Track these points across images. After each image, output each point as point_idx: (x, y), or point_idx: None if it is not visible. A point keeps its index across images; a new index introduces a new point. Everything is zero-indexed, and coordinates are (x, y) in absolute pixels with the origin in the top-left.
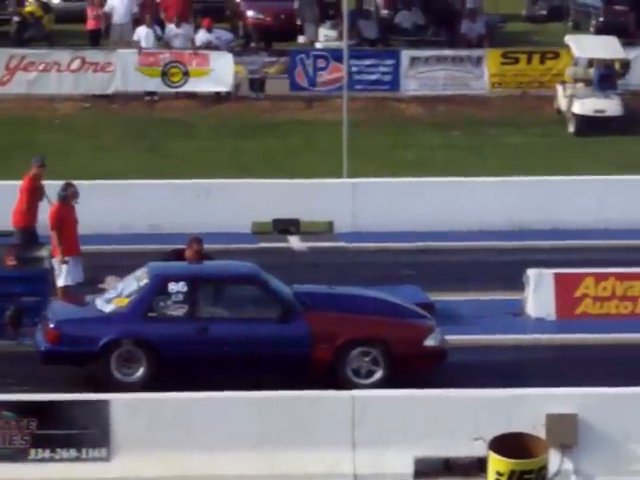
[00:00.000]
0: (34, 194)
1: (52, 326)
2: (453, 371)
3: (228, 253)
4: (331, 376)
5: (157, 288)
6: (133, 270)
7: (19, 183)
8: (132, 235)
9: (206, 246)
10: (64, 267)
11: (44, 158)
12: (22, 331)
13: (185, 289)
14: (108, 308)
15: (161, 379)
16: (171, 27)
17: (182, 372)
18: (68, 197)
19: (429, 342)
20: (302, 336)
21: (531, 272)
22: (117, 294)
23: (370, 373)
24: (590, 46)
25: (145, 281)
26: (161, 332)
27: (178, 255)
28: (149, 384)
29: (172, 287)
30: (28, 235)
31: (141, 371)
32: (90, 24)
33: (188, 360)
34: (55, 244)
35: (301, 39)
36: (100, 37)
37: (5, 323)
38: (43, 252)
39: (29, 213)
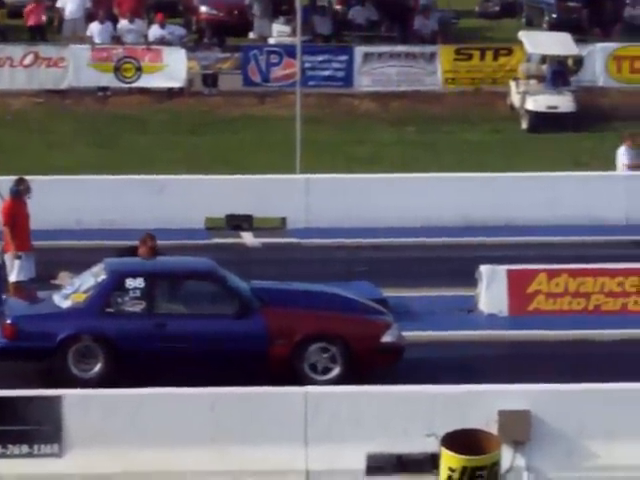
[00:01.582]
0: None
1: (9, 321)
2: (406, 367)
3: (182, 249)
4: (289, 372)
5: (114, 284)
6: (86, 266)
7: None
8: (85, 231)
9: (160, 242)
10: (17, 262)
11: None
12: None
13: (142, 285)
14: (65, 304)
15: (118, 375)
16: (124, 22)
17: (140, 368)
18: (20, 192)
19: (386, 338)
20: (259, 332)
21: (484, 268)
22: (74, 290)
23: (327, 369)
24: (543, 42)
25: (102, 277)
26: (119, 328)
27: (132, 252)
28: (106, 380)
29: (129, 283)
30: None
31: (98, 367)
32: (31, 19)
33: (146, 356)
34: (7, 239)
35: (253, 35)
36: (43, 32)
37: None
38: None
39: None
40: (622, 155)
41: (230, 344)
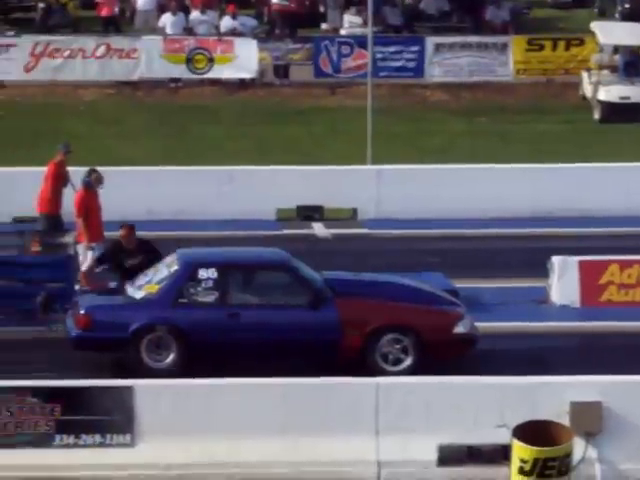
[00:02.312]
0: (59, 180)
1: (83, 312)
2: (477, 358)
3: (252, 240)
4: (360, 363)
5: (187, 274)
6: None
7: (44, 169)
8: (156, 221)
9: (230, 233)
10: (89, 254)
11: (70, 145)
12: (52, 317)
13: (215, 275)
14: (139, 294)
15: (191, 365)
16: (196, 14)
17: (212, 358)
18: (92, 183)
19: (459, 329)
20: (332, 323)
21: (556, 259)
22: (148, 280)
23: (399, 360)
24: (615, 33)
25: (175, 267)
26: (191, 318)
27: (117, 245)
28: (179, 370)
29: (202, 273)
30: (52, 221)
31: (171, 357)
32: (103, 11)
33: (218, 347)
34: (80, 230)
35: (324, 26)
36: (116, 24)
37: (35, 309)
38: (67, 238)
39: (54, 199)
40: None
41: (303, 334)
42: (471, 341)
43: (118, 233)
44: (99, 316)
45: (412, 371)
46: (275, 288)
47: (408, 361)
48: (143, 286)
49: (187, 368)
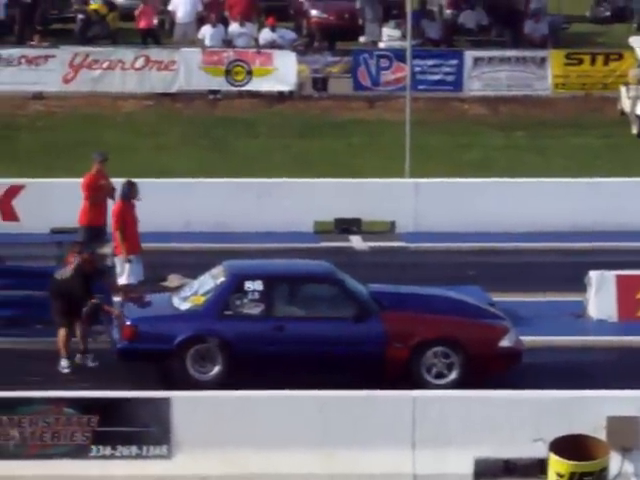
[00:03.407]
0: (96, 191)
1: (129, 323)
2: (515, 372)
3: (290, 252)
4: (405, 376)
5: (234, 286)
6: (195, 268)
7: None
8: (194, 233)
9: (268, 245)
10: (127, 266)
11: (106, 153)
12: (97, 328)
13: (261, 288)
14: (184, 306)
15: (236, 377)
16: (235, 26)
17: (257, 371)
18: (129, 195)
19: (504, 343)
20: (377, 335)
21: (593, 274)
22: (193, 292)
23: (445, 374)
24: None
25: (222, 279)
26: (237, 330)
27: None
28: (224, 382)
29: (249, 285)
30: (91, 233)
31: (217, 369)
32: (142, 22)
33: (264, 359)
34: (118, 242)
35: (363, 39)
36: (155, 35)
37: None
38: (105, 249)
39: (93, 210)
40: None
41: (348, 347)
42: (516, 355)
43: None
44: (145, 327)
45: (457, 385)
46: (321, 300)
47: (453, 375)
48: (189, 297)
49: (232, 380)
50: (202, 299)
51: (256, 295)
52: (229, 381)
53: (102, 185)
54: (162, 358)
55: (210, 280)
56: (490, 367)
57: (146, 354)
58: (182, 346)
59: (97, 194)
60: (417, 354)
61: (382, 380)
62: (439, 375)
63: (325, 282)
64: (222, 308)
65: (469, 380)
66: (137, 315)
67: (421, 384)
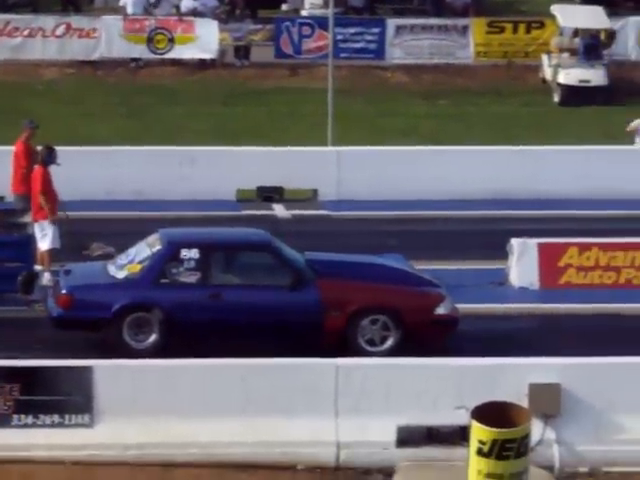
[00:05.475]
0: (31, 157)
1: (65, 291)
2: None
3: (212, 220)
4: (343, 344)
5: (170, 254)
6: (117, 236)
7: (4, 148)
8: (116, 202)
9: (190, 213)
10: (50, 230)
11: (35, 121)
12: (33, 296)
13: (197, 256)
14: (121, 274)
15: (172, 345)
16: None
17: (194, 339)
18: (50, 160)
19: (440, 310)
20: (314, 303)
21: (515, 241)
22: (129, 260)
23: (381, 341)
24: (576, 16)
25: (158, 247)
26: (173, 298)
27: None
28: (161, 350)
29: (185, 253)
30: (28, 201)
31: (153, 337)
32: None
33: (200, 327)
34: (38, 208)
35: (285, 6)
36: (75, 3)
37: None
38: (27, 218)
39: (28, 179)
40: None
41: (285, 315)
42: (452, 323)
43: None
44: (81, 296)
45: (393, 353)
46: (257, 269)
47: (390, 342)
48: (125, 266)
49: (169, 348)
50: (138, 267)
51: (192, 263)
52: (166, 350)
53: (33, 150)
54: (98, 326)
55: (146, 248)
56: (426, 335)
57: (82, 322)
58: (118, 314)
59: (30, 161)
60: (353, 322)
61: (319, 348)
62: (375, 342)
63: (261, 250)
64: (158, 276)
65: (405, 348)
66: (73, 283)
67: (357, 351)
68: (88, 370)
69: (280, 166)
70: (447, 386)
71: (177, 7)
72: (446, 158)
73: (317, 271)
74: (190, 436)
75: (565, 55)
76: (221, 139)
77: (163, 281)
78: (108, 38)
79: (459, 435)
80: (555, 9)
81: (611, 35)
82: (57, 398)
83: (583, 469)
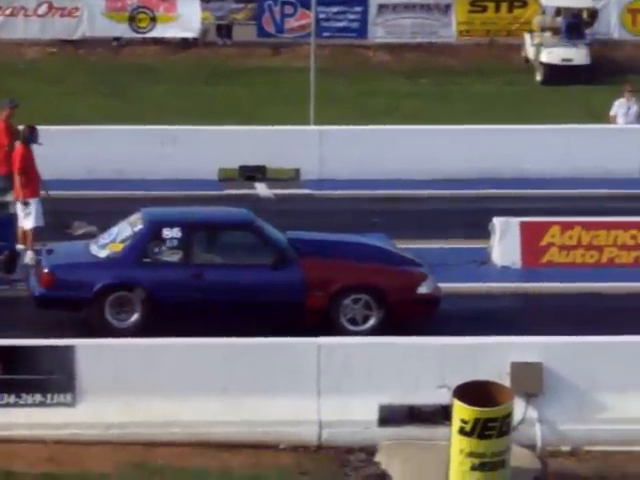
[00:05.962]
0: (12, 136)
1: (46, 270)
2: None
3: (194, 200)
4: (325, 323)
5: (151, 234)
6: (98, 215)
7: None
8: (97, 180)
9: (172, 193)
10: (32, 209)
11: (15, 99)
12: (14, 275)
13: (180, 235)
14: (102, 253)
15: (155, 325)
16: None
17: (176, 318)
18: (32, 139)
19: (423, 289)
20: (297, 282)
21: (497, 220)
22: (111, 239)
23: (363, 320)
24: None
25: (139, 226)
26: (155, 278)
27: None
28: (142, 330)
29: (167, 233)
30: (10, 181)
31: (135, 317)
32: None
33: (182, 306)
34: (18, 187)
35: None
36: None
37: None
38: (8, 197)
39: (8, 158)
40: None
41: (267, 294)
42: (434, 301)
43: None
44: (63, 275)
45: (375, 332)
46: (240, 248)
47: (372, 321)
48: (107, 245)
49: (151, 328)
50: (120, 246)
51: (174, 242)
52: (148, 329)
53: (13, 130)
54: (80, 306)
55: (128, 227)
56: (409, 313)
57: (64, 302)
58: (100, 294)
59: (12, 140)
60: (336, 301)
61: (301, 327)
62: (357, 322)
63: (244, 229)
64: (140, 255)
65: (387, 327)
66: (55, 262)
67: (340, 331)
68: (70, 349)
69: (262, 145)
70: (429, 365)
71: None
72: (429, 137)
73: (299, 250)
74: (172, 415)
75: (547, 34)
76: (203, 118)
77: (145, 260)
78: (90, 17)
79: (441, 414)
80: None
81: (593, 14)
82: (39, 377)
83: (565, 448)
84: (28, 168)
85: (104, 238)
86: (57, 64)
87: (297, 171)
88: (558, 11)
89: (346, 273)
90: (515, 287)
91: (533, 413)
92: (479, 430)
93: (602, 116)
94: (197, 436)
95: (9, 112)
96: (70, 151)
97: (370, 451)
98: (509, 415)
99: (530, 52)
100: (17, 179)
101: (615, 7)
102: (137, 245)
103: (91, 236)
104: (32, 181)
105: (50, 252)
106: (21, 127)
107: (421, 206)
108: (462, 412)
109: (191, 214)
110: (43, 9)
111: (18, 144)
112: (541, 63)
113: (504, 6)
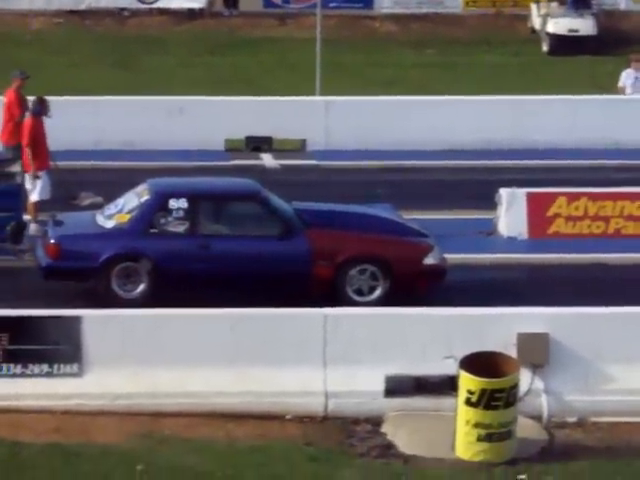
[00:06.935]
0: (22, 107)
1: (53, 241)
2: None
3: (201, 170)
4: (332, 294)
5: (158, 204)
6: (106, 186)
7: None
8: (104, 151)
9: (179, 163)
10: (38, 182)
11: (26, 71)
12: (22, 246)
13: (186, 205)
14: (109, 224)
15: (161, 295)
16: None
17: (182, 288)
18: (42, 111)
19: (429, 260)
20: (303, 253)
21: (504, 191)
22: (118, 210)
23: (370, 291)
24: None
25: (146, 197)
26: (162, 248)
27: None
28: (149, 300)
29: (173, 203)
30: (19, 152)
31: (141, 287)
32: None
33: (189, 276)
34: (27, 159)
35: None
36: None
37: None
38: (15, 167)
39: (17, 130)
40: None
41: (273, 265)
42: (440, 273)
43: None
44: (69, 246)
45: (382, 303)
46: (246, 218)
47: (378, 292)
48: (114, 215)
49: (158, 298)
50: (127, 217)
51: (181, 213)
52: (155, 300)
53: (23, 101)
54: (87, 276)
55: (134, 198)
56: (415, 285)
57: (71, 272)
58: (106, 264)
59: (22, 111)
60: (342, 271)
61: (307, 297)
62: (364, 292)
63: (250, 200)
64: (147, 226)
65: (394, 297)
66: (61, 233)
67: (346, 301)
68: (77, 320)
69: (269, 116)
70: (435, 336)
71: None
72: (435, 108)
73: (306, 221)
74: (179, 386)
75: (554, 4)
76: (210, 89)
77: (151, 231)
78: None
79: (448, 385)
80: None
81: None
82: (46, 348)
83: (571, 419)
84: (37, 141)
85: (110, 209)
86: (63, 35)
87: (303, 142)
88: None
89: (352, 244)
90: (521, 258)
91: (539, 384)
92: (485, 401)
93: (609, 87)
94: (204, 406)
95: (20, 83)
96: (77, 122)
97: (376, 422)
98: (515, 386)
99: (536, 22)
100: (25, 152)
101: None
102: (143, 216)
103: (97, 207)
104: (41, 153)
105: (57, 223)
106: (31, 98)
107: (427, 177)
108: (468, 383)
109: (197, 185)
110: None
111: (27, 116)
112: (547, 33)
113: None
